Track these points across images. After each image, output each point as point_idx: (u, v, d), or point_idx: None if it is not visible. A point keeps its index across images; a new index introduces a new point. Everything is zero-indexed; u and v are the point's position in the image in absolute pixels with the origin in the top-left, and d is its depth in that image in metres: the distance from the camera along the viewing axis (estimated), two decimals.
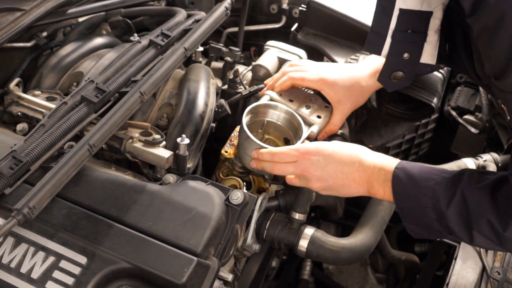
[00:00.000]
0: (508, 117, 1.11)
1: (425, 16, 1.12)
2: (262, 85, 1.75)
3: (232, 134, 1.53)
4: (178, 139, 1.44)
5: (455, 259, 1.50)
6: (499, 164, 1.80)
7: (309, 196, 1.50)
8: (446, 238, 1.26)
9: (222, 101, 1.68)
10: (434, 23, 1.14)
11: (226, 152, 1.51)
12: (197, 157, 1.56)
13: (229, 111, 1.68)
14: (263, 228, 1.50)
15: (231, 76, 1.78)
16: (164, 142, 1.47)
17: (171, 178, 1.39)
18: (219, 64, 1.90)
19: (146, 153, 1.44)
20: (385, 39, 1.16)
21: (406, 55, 1.18)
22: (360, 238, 1.50)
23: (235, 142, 1.54)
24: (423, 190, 1.17)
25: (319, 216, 2.12)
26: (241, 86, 1.78)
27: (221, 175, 1.73)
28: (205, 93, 1.62)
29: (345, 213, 2.11)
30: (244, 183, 1.71)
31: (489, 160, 1.79)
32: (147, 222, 1.24)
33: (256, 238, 1.47)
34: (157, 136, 1.47)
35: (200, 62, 1.84)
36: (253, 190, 1.70)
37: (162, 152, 1.44)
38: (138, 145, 1.45)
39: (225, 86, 1.79)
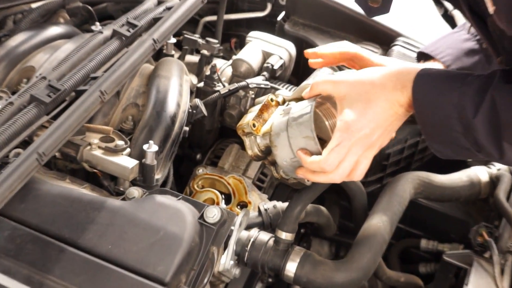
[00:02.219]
0: None
1: None
2: (243, 83, 1.71)
3: (264, 103, 1.41)
4: (145, 146, 1.42)
5: (467, 284, 1.47)
6: None
7: (298, 212, 1.46)
8: (475, 158, 1.24)
9: (197, 101, 1.65)
10: None
11: (254, 125, 1.37)
12: (167, 166, 1.53)
13: (205, 113, 1.66)
14: (244, 250, 1.46)
15: (208, 72, 1.75)
16: (128, 149, 1.44)
17: (136, 192, 1.36)
18: (194, 58, 1.89)
19: (107, 162, 1.41)
20: None
21: None
22: (357, 261, 1.46)
23: (268, 116, 1.40)
24: (447, 97, 1.16)
25: (310, 232, 2.08)
26: (220, 84, 1.76)
27: (195, 187, 1.70)
28: (177, 92, 1.59)
29: (340, 228, 2.07)
30: (223, 197, 1.68)
31: (504, 170, 1.76)
32: (107, 245, 1.21)
33: (236, 261, 1.44)
34: (120, 142, 1.44)
35: (172, 55, 1.82)
36: (232, 205, 1.67)
37: (126, 161, 1.41)
38: (98, 152, 1.42)
39: (201, 84, 1.76)
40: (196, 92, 1.76)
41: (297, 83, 2.02)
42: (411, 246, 2.21)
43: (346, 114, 1.24)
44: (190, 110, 1.62)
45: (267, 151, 1.39)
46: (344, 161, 1.27)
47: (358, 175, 1.28)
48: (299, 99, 1.38)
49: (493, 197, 1.73)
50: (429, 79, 1.19)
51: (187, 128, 1.60)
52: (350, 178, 1.28)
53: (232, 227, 1.38)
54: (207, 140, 1.85)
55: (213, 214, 1.29)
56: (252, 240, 1.46)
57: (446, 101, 1.16)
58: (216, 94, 1.72)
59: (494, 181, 1.76)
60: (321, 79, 1.29)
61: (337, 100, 1.27)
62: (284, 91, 1.48)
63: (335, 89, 1.27)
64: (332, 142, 1.26)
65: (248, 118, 1.39)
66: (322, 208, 1.70)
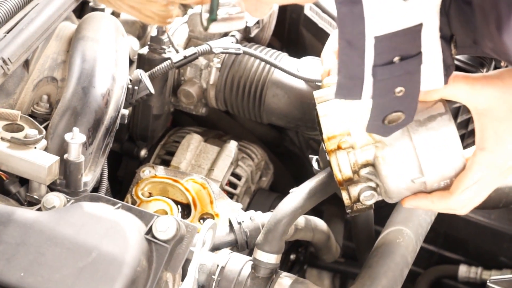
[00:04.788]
0: None
1: (414, 31, 1.18)
2: (204, 46, 1.74)
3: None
4: (67, 136, 1.42)
5: None
6: None
7: (285, 225, 1.49)
8: None
9: (140, 72, 1.67)
10: (430, 34, 1.20)
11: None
12: (99, 165, 1.55)
13: (152, 90, 1.68)
14: (210, 279, 1.48)
15: (154, 33, 1.77)
16: (44, 142, 1.46)
17: (56, 199, 1.37)
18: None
19: (13, 159, 1.42)
20: (362, 80, 1.21)
21: (399, 89, 1.22)
22: None
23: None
24: None
25: (303, 260, 2.12)
26: (171, 49, 1.78)
27: (140, 195, 1.71)
28: (111, 61, 1.61)
29: (345, 253, 2.11)
30: (179, 208, 1.70)
31: None
32: (17, 273, 1.21)
33: None
34: (32, 132, 1.45)
35: (103, 10, 1.83)
36: (193, 218, 1.69)
37: (41, 158, 1.42)
38: (1, 146, 1.42)
39: (145, 49, 1.79)
40: (138, 61, 1.78)
41: (281, 48, 2.07)
42: (446, 276, 2.27)
43: (490, 140, 1.29)
44: (130, 86, 1.64)
45: (367, 172, 1.36)
46: (478, 198, 1.36)
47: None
48: None
49: None
50: None
51: (126, 111, 1.61)
52: None
53: (193, 248, 1.41)
54: (155, 129, 1.88)
55: (165, 228, 1.30)
56: (221, 265, 1.49)
57: None
58: (167, 63, 1.74)
59: None
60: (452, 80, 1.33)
61: (475, 114, 1.31)
62: (334, 78, 1.48)
63: (473, 99, 1.31)
64: (468, 178, 1.32)
65: (329, 121, 1.36)
66: (320, 221, 1.74)
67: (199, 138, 1.87)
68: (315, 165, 1.61)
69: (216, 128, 2.05)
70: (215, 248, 1.54)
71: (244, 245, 1.56)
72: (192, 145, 1.85)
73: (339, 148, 1.32)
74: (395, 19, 1.15)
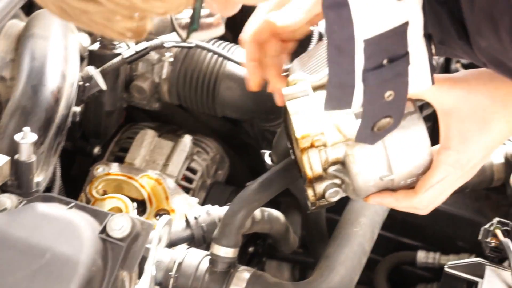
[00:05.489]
0: None
1: (401, 31, 1.17)
2: (156, 41, 1.73)
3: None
4: (18, 136, 1.41)
5: None
6: None
7: (243, 218, 1.50)
8: None
9: (91, 69, 1.67)
10: (415, 31, 1.18)
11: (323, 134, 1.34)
12: (51, 164, 1.54)
13: (103, 86, 1.67)
14: (167, 276, 1.48)
15: None
16: None
17: (7, 201, 1.36)
18: None
19: None
20: (353, 88, 1.19)
21: (388, 94, 1.21)
22: (326, 280, 1.51)
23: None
24: None
25: (262, 252, 2.12)
26: (122, 44, 1.78)
27: (94, 194, 1.71)
28: (61, 58, 1.60)
29: (304, 243, 2.12)
30: (135, 205, 1.70)
31: None
32: None
33: None
34: None
35: None
36: (149, 215, 1.69)
37: None
38: None
39: (95, 45, 1.78)
40: (89, 58, 1.77)
41: (233, 40, 2.06)
42: (404, 262, 2.28)
43: (454, 140, 1.30)
44: (81, 83, 1.63)
45: (335, 169, 1.36)
46: (441, 197, 1.37)
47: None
48: None
49: (510, 185, 1.80)
50: None
51: (78, 109, 1.61)
52: None
53: (149, 245, 1.40)
54: (108, 126, 1.88)
55: (120, 226, 1.29)
56: (178, 261, 1.49)
57: None
58: (118, 59, 1.73)
59: (511, 161, 1.84)
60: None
61: (440, 114, 1.31)
62: (302, 74, 1.47)
63: (439, 99, 1.31)
64: (433, 177, 1.32)
65: (301, 120, 1.35)
66: (278, 213, 1.74)
67: (153, 134, 1.86)
68: (268, 160, 1.61)
69: (170, 123, 2.04)
70: (172, 244, 1.54)
71: (201, 240, 1.56)
72: (146, 141, 1.84)
73: (312, 146, 1.32)
74: (383, 20, 1.14)
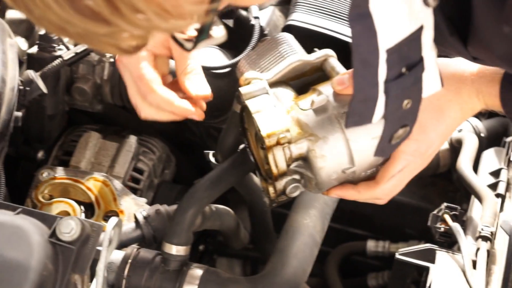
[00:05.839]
0: None
1: (417, 37, 1.17)
2: None
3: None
4: None
5: (429, 287, 1.55)
6: (482, 134, 1.88)
7: (193, 215, 1.50)
8: None
9: (31, 73, 1.66)
10: (428, 35, 1.19)
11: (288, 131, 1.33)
12: None
13: (44, 90, 1.67)
14: (120, 277, 1.48)
15: (42, 31, 1.75)
16: None
17: None
18: (20, 14, 1.86)
19: None
20: (376, 101, 1.20)
21: (406, 102, 1.23)
22: (279, 273, 1.52)
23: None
24: None
25: (212, 249, 2.13)
26: (62, 46, 1.77)
27: (41, 199, 1.70)
28: None
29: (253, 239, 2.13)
30: (82, 208, 1.69)
31: (467, 130, 1.86)
32: None
33: None
34: None
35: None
36: (97, 217, 1.69)
37: None
38: None
39: (34, 48, 1.77)
40: (28, 61, 1.76)
41: None
42: (354, 252, 2.30)
43: (414, 129, 1.31)
44: (22, 87, 1.62)
45: (296, 165, 1.36)
46: (401, 185, 1.40)
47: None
48: (294, 79, 1.43)
49: (455, 170, 1.83)
50: None
51: (19, 114, 1.59)
52: None
53: (100, 247, 1.40)
54: (51, 130, 1.87)
55: (69, 229, 1.28)
56: (130, 261, 1.49)
57: None
58: (58, 61, 1.72)
59: (456, 146, 1.87)
60: None
61: None
62: (254, 73, 1.46)
63: None
64: (393, 166, 1.34)
65: (264, 118, 1.34)
66: (227, 209, 1.75)
67: (97, 136, 1.85)
68: (212, 159, 1.62)
69: (115, 124, 2.03)
70: (122, 246, 1.54)
71: (151, 239, 1.56)
72: (91, 143, 1.83)
73: (277, 143, 1.32)
74: (402, 26, 1.14)
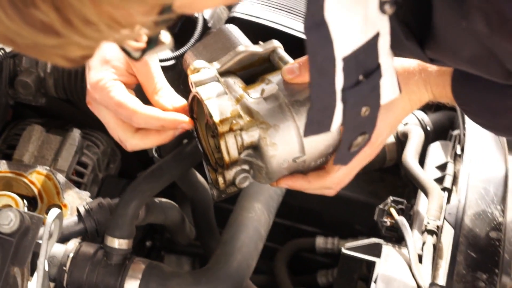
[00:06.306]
0: None
1: (373, 44, 1.17)
2: None
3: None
4: None
5: (375, 281, 1.55)
6: (428, 128, 1.90)
7: (135, 207, 1.50)
8: None
9: None
10: (384, 42, 1.19)
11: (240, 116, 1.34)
12: None
13: None
14: (61, 271, 1.48)
15: None
16: None
17: None
18: None
19: None
20: (333, 109, 1.20)
21: (365, 109, 1.23)
22: (223, 267, 1.52)
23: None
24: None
25: (160, 246, 2.13)
26: None
27: None
28: None
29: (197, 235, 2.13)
30: (25, 202, 1.68)
31: (413, 123, 1.88)
32: None
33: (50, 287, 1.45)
34: None
35: None
36: (40, 211, 1.68)
37: None
38: None
39: None
40: None
41: None
42: (303, 249, 2.31)
43: None
44: None
45: (246, 154, 1.37)
46: (350, 175, 1.44)
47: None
48: (241, 70, 1.43)
49: (401, 164, 1.85)
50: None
51: None
52: None
53: (40, 241, 1.39)
54: None
55: (8, 220, 1.27)
56: (72, 255, 1.48)
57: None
58: (0, 53, 1.72)
59: (402, 140, 1.88)
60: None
61: None
62: (202, 62, 1.45)
63: None
64: None
65: (216, 104, 1.34)
66: (171, 203, 1.75)
67: (40, 129, 1.84)
68: (155, 154, 1.62)
69: (59, 118, 2.02)
70: (65, 239, 1.53)
71: (94, 233, 1.56)
72: (34, 136, 1.82)
73: (230, 130, 1.33)
74: (358, 34, 1.13)
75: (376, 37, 1.16)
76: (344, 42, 1.12)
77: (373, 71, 1.20)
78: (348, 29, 1.11)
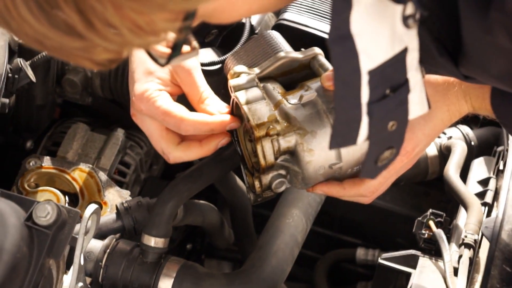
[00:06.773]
0: None
1: (401, 59, 1.17)
2: None
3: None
4: None
5: None
6: (472, 143, 1.89)
7: (173, 207, 1.51)
8: None
9: (20, 61, 1.67)
10: (413, 57, 1.18)
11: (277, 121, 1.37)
12: None
13: (33, 78, 1.67)
14: (97, 266, 1.49)
15: None
16: None
17: None
18: None
19: None
20: (359, 123, 1.20)
21: (391, 124, 1.23)
22: (257, 270, 1.53)
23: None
24: None
25: (200, 249, 2.14)
26: None
27: (26, 187, 1.71)
28: None
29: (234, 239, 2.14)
30: (67, 198, 1.70)
31: (457, 137, 1.88)
32: None
33: (86, 282, 1.44)
34: None
35: None
36: (81, 208, 1.70)
37: None
38: None
39: None
40: (19, 51, 1.76)
41: None
42: (344, 259, 2.31)
43: None
44: (10, 75, 1.63)
45: (282, 160, 1.38)
46: (386, 184, 1.44)
47: None
48: (281, 76, 1.44)
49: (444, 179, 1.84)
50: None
51: (6, 100, 1.61)
52: None
53: (76, 235, 1.41)
54: (40, 120, 1.89)
55: (45, 213, 1.28)
56: (108, 251, 1.50)
57: None
58: None
59: (445, 154, 1.88)
60: None
61: None
62: (242, 67, 1.47)
63: None
64: None
65: (254, 109, 1.36)
66: (211, 206, 1.76)
67: (85, 127, 1.87)
68: None
69: (105, 118, 2.05)
70: (102, 236, 1.55)
71: (132, 231, 1.58)
72: (79, 134, 1.85)
73: (267, 134, 1.34)
74: (385, 48, 1.13)
75: (404, 52, 1.15)
76: (371, 56, 1.12)
77: (401, 86, 1.19)
78: (374, 42, 1.11)
